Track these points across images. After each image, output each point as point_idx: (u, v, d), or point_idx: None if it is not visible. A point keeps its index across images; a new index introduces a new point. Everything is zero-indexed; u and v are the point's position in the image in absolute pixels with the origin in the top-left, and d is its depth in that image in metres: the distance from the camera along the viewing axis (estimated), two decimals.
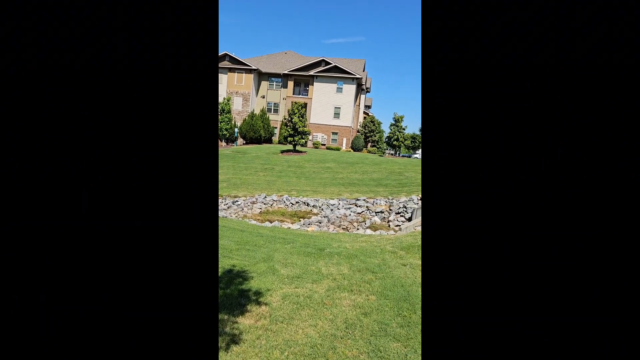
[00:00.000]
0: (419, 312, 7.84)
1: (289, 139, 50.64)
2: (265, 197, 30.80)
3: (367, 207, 29.00)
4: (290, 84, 63.87)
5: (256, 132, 57.73)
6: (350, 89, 61.51)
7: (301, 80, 64.00)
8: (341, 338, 6.73)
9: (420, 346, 6.47)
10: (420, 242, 14.53)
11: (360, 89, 65.74)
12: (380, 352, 6.30)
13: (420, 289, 9.19)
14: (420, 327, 7.18)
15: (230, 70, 63.72)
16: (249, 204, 29.45)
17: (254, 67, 63.17)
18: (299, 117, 49.75)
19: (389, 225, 25.59)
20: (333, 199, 30.21)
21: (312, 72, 62.12)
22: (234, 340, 6.34)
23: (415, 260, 12.13)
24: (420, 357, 6.14)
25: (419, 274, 10.52)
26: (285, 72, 63.45)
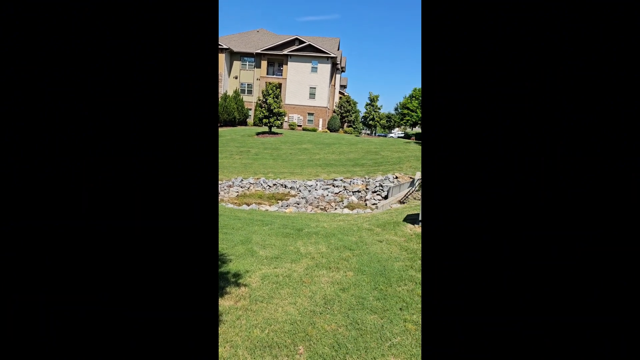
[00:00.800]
0: (395, 286, 8.09)
1: (264, 120, 50.31)
2: (242, 180, 30.68)
3: (344, 187, 29.16)
4: (264, 63, 63.01)
5: (230, 115, 56.91)
6: (325, 68, 61.13)
7: (275, 59, 63.18)
8: (320, 313, 6.88)
9: (395, 317, 6.71)
10: (395, 219, 14.86)
11: (335, 68, 65.42)
12: (358, 325, 6.47)
13: (395, 263, 9.48)
14: (395, 298, 7.45)
15: None
16: (225, 187, 29.32)
17: (225, 47, 61.47)
18: (273, 97, 49.44)
19: (366, 204, 25.79)
20: (310, 180, 30.28)
21: (285, 51, 61.42)
22: None
23: (391, 236, 12.36)
24: (395, 327, 6.36)
25: (395, 249, 10.82)
26: (258, 51, 62.40)
